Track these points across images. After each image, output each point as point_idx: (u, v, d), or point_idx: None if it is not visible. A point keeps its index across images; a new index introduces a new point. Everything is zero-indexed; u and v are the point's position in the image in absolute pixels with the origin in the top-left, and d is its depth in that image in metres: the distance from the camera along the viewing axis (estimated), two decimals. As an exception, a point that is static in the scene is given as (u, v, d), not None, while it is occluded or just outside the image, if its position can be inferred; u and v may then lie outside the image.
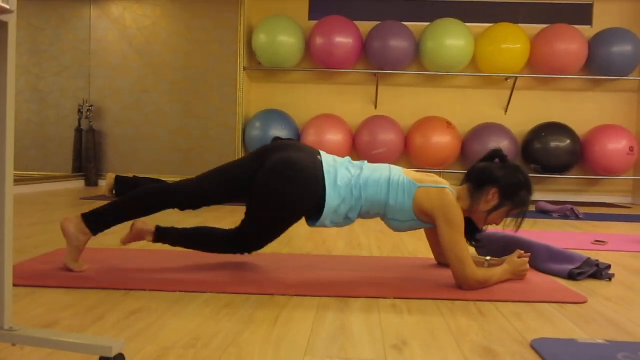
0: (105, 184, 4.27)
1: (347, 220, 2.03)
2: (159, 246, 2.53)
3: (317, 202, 1.95)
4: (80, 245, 1.96)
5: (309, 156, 1.99)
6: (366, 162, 2.06)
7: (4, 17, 1.05)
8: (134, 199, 1.99)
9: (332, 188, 1.95)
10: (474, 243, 2.14)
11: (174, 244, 2.13)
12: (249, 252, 2.12)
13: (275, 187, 1.93)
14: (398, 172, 2.01)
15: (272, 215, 1.98)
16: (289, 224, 2.02)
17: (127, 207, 1.99)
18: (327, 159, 2.02)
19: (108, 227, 1.99)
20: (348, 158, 2.07)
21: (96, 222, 1.96)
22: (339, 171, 1.99)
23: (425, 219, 1.98)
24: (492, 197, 1.95)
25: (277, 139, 3.80)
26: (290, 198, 1.93)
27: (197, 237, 2.12)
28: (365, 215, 2.02)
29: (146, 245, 2.55)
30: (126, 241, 2.10)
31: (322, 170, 1.96)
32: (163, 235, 2.10)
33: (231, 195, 2.02)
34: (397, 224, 2.01)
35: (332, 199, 1.94)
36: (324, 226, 2.02)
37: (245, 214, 2.03)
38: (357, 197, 1.96)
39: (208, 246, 2.12)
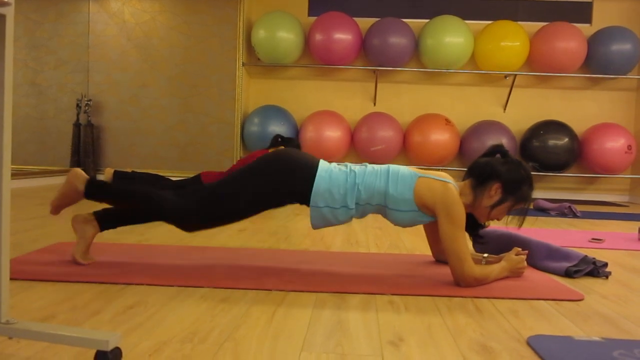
0: (104, 178, 4.26)
1: (345, 211, 1.95)
2: (156, 240, 2.53)
3: (306, 184, 1.93)
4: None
5: (304, 155, 2.01)
6: (367, 164, 2.05)
7: (1, 10, 1.05)
8: (131, 196, 1.98)
9: (323, 170, 1.96)
10: (476, 239, 2.14)
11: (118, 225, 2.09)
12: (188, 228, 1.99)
13: (263, 158, 1.95)
14: (399, 166, 2.01)
15: (250, 182, 1.93)
16: (263, 197, 1.95)
17: (123, 197, 1.98)
18: (324, 162, 2.03)
19: (101, 198, 2.00)
20: (347, 164, 2.07)
21: (96, 188, 1.98)
22: (334, 164, 2.01)
23: (426, 212, 1.95)
24: (494, 192, 1.95)
25: (277, 136, 3.80)
26: (275, 170, 1.93)
27: (138, 214, 2.06)
28: (365, 206, 1.96)
29: (143, 239, 2.55)
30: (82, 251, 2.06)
31: (318, 164, 1.97)
32: (105, 223, 2.06)
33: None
34: (398, 215, 1.96)
35: (322, 177, 1.93)
36: (324, 219, 1.96)
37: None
38: (352, 183, 1.93)
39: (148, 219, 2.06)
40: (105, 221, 2.03)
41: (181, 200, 1.94)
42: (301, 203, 1.99)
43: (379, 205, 1.97)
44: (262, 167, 1.96)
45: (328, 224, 2.00)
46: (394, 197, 1.93)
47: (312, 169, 1.95)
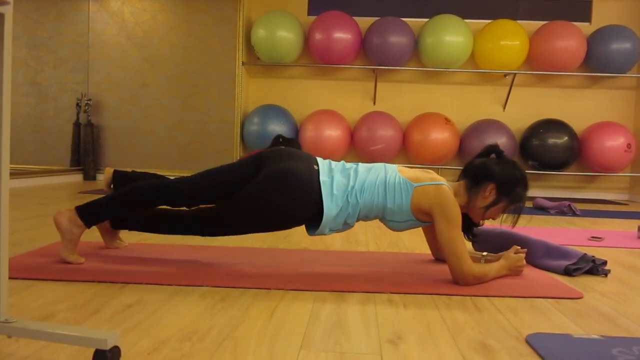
0: (103, 178, 4.26)
1: (346, 226, 2.03)
2: (156, 240, 2.53)
3: (313, 213, 1.95)
4: (75, 238, 1.97)
5: (305, 165, 1.96)
6: (360, 163, 2.05)
7: (0, 9, 1.05)
8: (128, 193, 1.99)
9: (329, 198, 1.93)
10: (471, 238, 2.14)
11: (132, 229, 2.15)
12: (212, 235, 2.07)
13: (269, 197, 1.91)
14: (393, 172, 1.98)
15: (263, 223, 1.98)
16: (278, 229, 2.03)
17: (120, 201, 1.99)
18: (323, 167, 2.00)
19: (101, 220, 2.02)
20: (342, 162, 2.06)
21: (90, 214, 1.97)
22: (335, 178, 1.96)
23: (423, 218, 1.97)
24: (489, 193, 1.96)
25: (279, 137, 3.80)
26: (283, 210, 1.92)
27: (157, 222, 2.09)
28: (364, 218, 2.01)
29: (143, 239, 2.55)
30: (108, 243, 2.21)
31: (319, 181, 1.94)
32: (120, 223, 2.14)
33: (225, 198, 1.99)
34: (395, 225, 2.01)
35: (329, 209, 1.93)
36: (323, 234, 2.01)
37: (228, 209, 1.97)
38: (354, 204, 1.95)
39: (167, 231, 2.09)
40: (89, 221, 2.00)
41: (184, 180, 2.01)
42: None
43: (377, 216, 2.02)
44: (270, 191, 1.93)
45: (325, 234, 2.07)
46: (391, 210, 1.96)
47: (314, 196, 1.92)
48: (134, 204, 1.99)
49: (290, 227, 2.01)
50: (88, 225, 1.98)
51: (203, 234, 2.04)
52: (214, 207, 2.05)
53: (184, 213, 2.07)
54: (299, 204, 1.91)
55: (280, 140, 3.73)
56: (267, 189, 1.91)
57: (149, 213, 2.09)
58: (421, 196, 1.93)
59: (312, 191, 1.92)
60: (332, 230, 2.01)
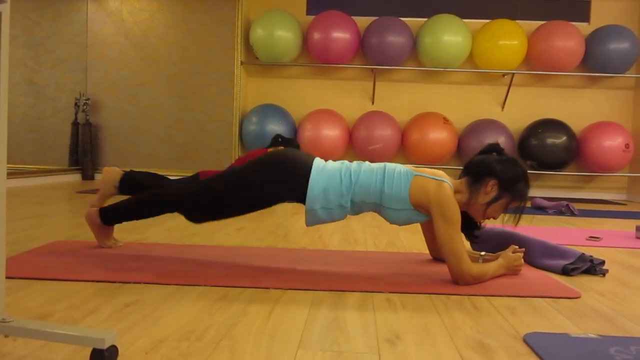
0: (111, 179, 4.24)
1: (341, 209, 1.97)
2: (153, 239, 2.53)
3: (300, 188, 1.95)
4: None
5: (302, 153, 2.03)
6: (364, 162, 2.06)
7: (-3, 8, 1.04)
8: (146, 204, 2.12)
9: (318, 172, 1.96)
10: (472, 239, 2.14)
11: (123, 221, 2.22)
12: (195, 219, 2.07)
13: (256, 170, 1.98)
14: (395, 164, 2.01)
15: (250, 191, 1.98)
16: (264, 202, 2.01)
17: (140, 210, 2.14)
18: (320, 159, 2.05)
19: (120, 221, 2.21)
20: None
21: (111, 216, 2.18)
22: (330, 163, 2.02)
23: (421, 210, 1.95)
24: (490, 188, 1.95)
25: (277, 136, 3.80)
26: (270, 176, 1.96)
27: (145, 207, 2.14)
28: (361, 204, 1.97)
29: (141, 238, 2.55)
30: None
31: (312, 162, 1.99)
32: (111, 218, 2.20)
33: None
34: (393, 213, 1.96)
35: (316, 180, 1.94)
36: (319, 219, 1.99)
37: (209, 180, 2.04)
38: (348, 184, 1.94)
39: (154, 214, 2.14)
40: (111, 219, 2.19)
41: (185, 187, 2.06)
42: (297, 202, 2.00)
43: (375, 203, 1.97)
44: (260, 168, 1.97)
45: (323, 222, 2.02)
46: (389, 195, 1.93)
47: (307, 171, 1.96)
48: (150, 214, 2.14)
49: (275, 198, 1.99)
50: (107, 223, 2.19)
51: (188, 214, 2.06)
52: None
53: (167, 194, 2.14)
54: (290, 173, 1.96)
55: (279, 140, 3.73)
56: (258, 158, 2.01)
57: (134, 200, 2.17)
58: (420, 187, 1.92)
59: (303, 168, 1.96)
60: (327, 212, 1.96)
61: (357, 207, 1.99)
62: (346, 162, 2.03)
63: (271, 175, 1.96)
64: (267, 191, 1.96)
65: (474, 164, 2.01)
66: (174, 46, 6.04)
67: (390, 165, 1.99)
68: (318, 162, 2.00)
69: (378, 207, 1.99)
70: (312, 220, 2.00)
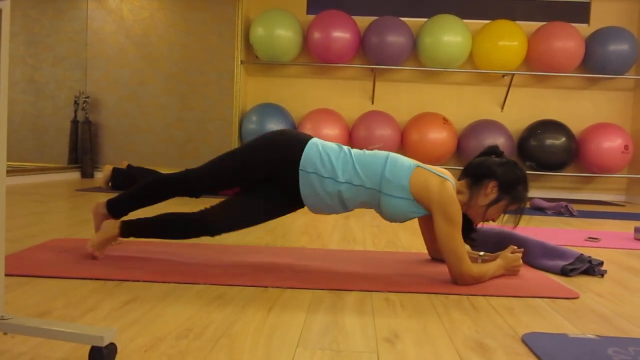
0: (102, 175, 4.26)
1: (333, 183, 1.92)
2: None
3: (297, 151, 1.97)
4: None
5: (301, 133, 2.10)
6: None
7: (-2, 5, 1.04)
8: (148, 189, 2.10)
9: (316, 140, 2.02)
10: (470, 242, 2.14)
11: (141, 236, 2.07)
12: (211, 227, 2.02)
13: (254, 145, 2.03)
14: (399, 155, 2.03)
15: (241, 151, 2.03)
16: (252, 163, 2.01)
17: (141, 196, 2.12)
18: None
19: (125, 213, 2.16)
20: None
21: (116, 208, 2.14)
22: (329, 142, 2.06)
23: (420, 203, 1.93)
24: (490, 190, 1.95)
25: None
26: (268, 137, 2.03)
27: (163, 223, 2.05)
28: (359, 189, 1.93)
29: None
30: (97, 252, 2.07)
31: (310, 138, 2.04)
32: (129, 230, 2.06)
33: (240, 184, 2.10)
34: (392, 202, 1.92)
35: (314, 143, 1.99)
36: (313, 190, 1.94)
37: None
38: (346, 156, 1.97)
39: (173, 233, 2.06)
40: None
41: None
42: (292, 174, 1.97)
43: (373, 189, 1.93)
44: (260, 136, 2.07)
45: (317, 198, 1.96)
46: (389, 180, 1.91)
47: (306, 138, 2.02)
48: (153, 198, 2.11)
49: (273, 164, 1.99)
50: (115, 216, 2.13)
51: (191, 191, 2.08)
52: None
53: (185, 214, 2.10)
54: (289, 136, 2.02)
55: None
56: (257, 138, 2.06)
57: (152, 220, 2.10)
58: (423, 180, 1.91)
59: (303, 136, 2.03)
60: (319, 179, 1.93)
61: (353, 192, 1.94)
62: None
63: (269, 138, 2.02)
64: (263, 152, 1.99)
65: (473, 165, 2.01)
66: (174, 45, 6.04)
67: (394, 154, 2.00)
68: (316, 139, 2.06)
69: (376, 195, 1.94)
70: (306, 188, 1.96)
